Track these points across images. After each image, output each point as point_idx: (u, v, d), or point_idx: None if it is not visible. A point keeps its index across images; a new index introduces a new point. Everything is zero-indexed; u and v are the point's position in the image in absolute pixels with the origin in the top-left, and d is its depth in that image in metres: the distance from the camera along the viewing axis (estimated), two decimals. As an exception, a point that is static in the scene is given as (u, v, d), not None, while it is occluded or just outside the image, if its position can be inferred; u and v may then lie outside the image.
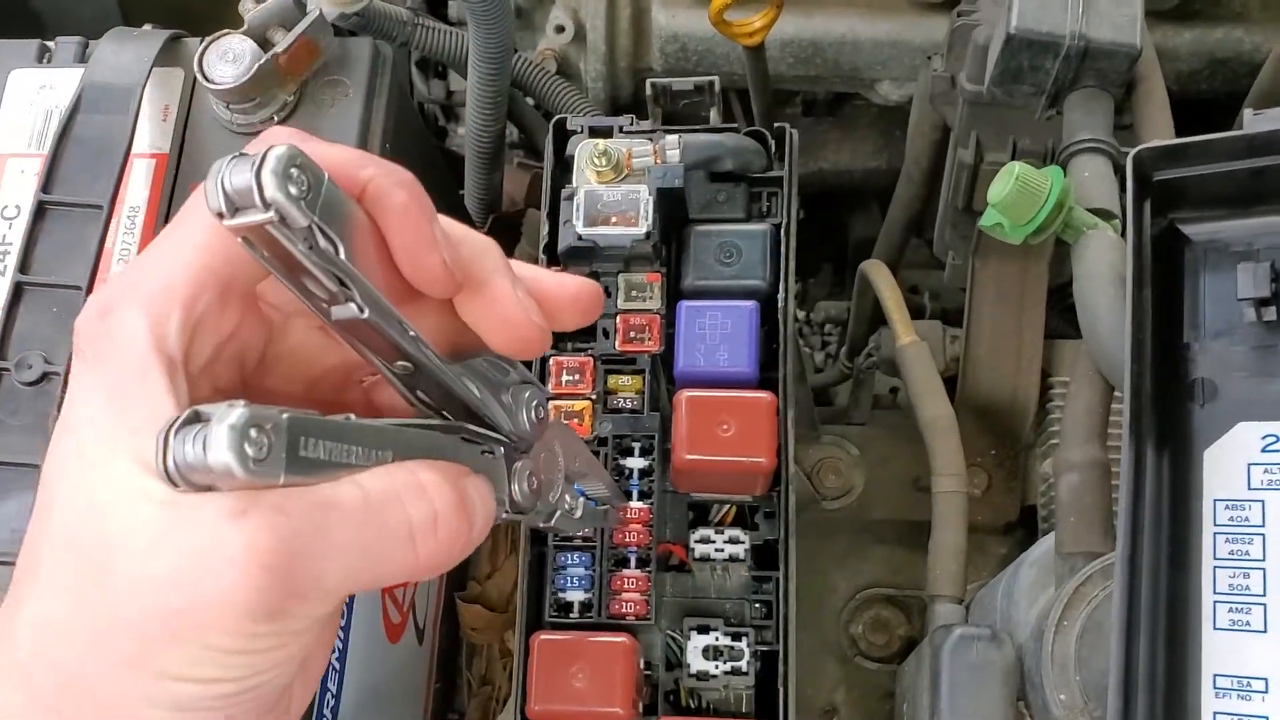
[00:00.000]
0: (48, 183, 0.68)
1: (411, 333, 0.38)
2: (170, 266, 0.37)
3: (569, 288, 0.45)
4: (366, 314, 0.37)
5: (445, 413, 0.42)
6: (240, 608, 0.33)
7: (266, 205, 0.33)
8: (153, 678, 0.34)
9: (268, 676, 0.36)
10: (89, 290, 0.66)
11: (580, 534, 0.60)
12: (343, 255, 0.35)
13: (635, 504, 0.61)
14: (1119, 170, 0.65)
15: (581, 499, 0.50)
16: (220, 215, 0.33)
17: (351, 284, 0.36)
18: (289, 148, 0.33)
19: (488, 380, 0.43)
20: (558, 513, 0.48)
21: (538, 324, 0.42)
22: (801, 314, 1.34)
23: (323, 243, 0.35)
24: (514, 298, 0.41)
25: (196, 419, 0.32)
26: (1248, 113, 0.54)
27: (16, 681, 0.36)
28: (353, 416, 0.37)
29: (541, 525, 0.48)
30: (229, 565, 0.33)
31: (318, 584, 0.34)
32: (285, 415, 0.33)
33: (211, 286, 0.38)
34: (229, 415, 0.31)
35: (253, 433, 0.31)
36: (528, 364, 0.51)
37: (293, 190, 0.33)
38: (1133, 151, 0.53)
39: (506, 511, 0.44)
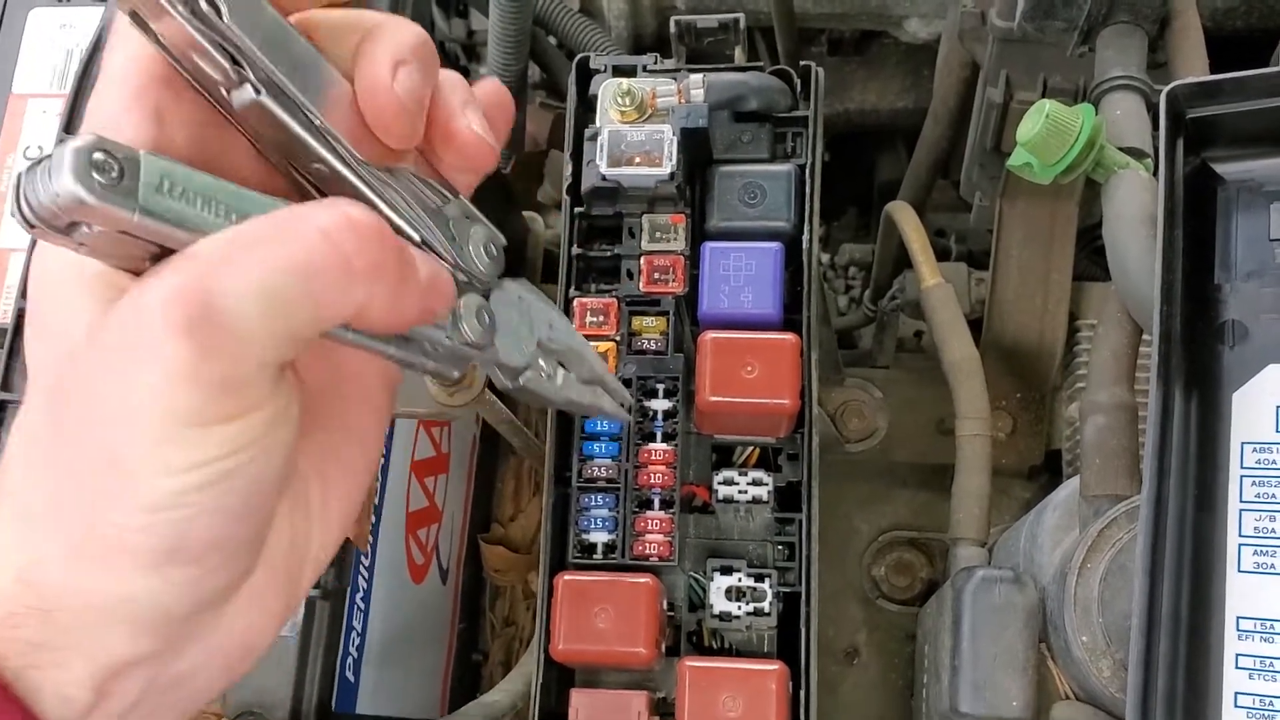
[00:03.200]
0: (69, 123, 0.68)
1: (318, 121, 0.37)
2: (109, 90, 0.37)
3: (498, 98, 0.44)
4: (264, 95, 0.35)
5: None
6: (174, 364, 0.32)
7: None
8: (123, 481, 0.34)
9: (233, 461, 0.34)
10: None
11: (605, 475, 0.60)
12: (227, 19, 0.34)
13: (659, 445, 0.61)
14: (1152, 108, 0.64)
15: (563, 372, 0.47)
16: None
17: (244, 59, 0.35)
18: None
19: (420, 201, 0.40)
20: (528, 372, 0.44)
21: (493, 145, 0.41)
22: (826, 257, 1.33)
23: (205, 6, 0.33)
24: (475, 130, 0.41)
25: (44, 158, 0.32)
26: (1285, 48, 0.53)
27: (12, 505, 0.36)
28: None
29: (510, 386, 0.44)
30: (151, 326, 0.32)
31: (241, 317, 0.33)
32: (143, 151, 0.32)
33: (154, 81, 0.36)
34: (74, 140, 0.31)
35: (98, 156, 0.31)
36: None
37: None
38: (1166, 88, 0.52)
39: (449, 338, 0.41)
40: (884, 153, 1.28)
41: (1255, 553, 0.49)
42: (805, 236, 0.63)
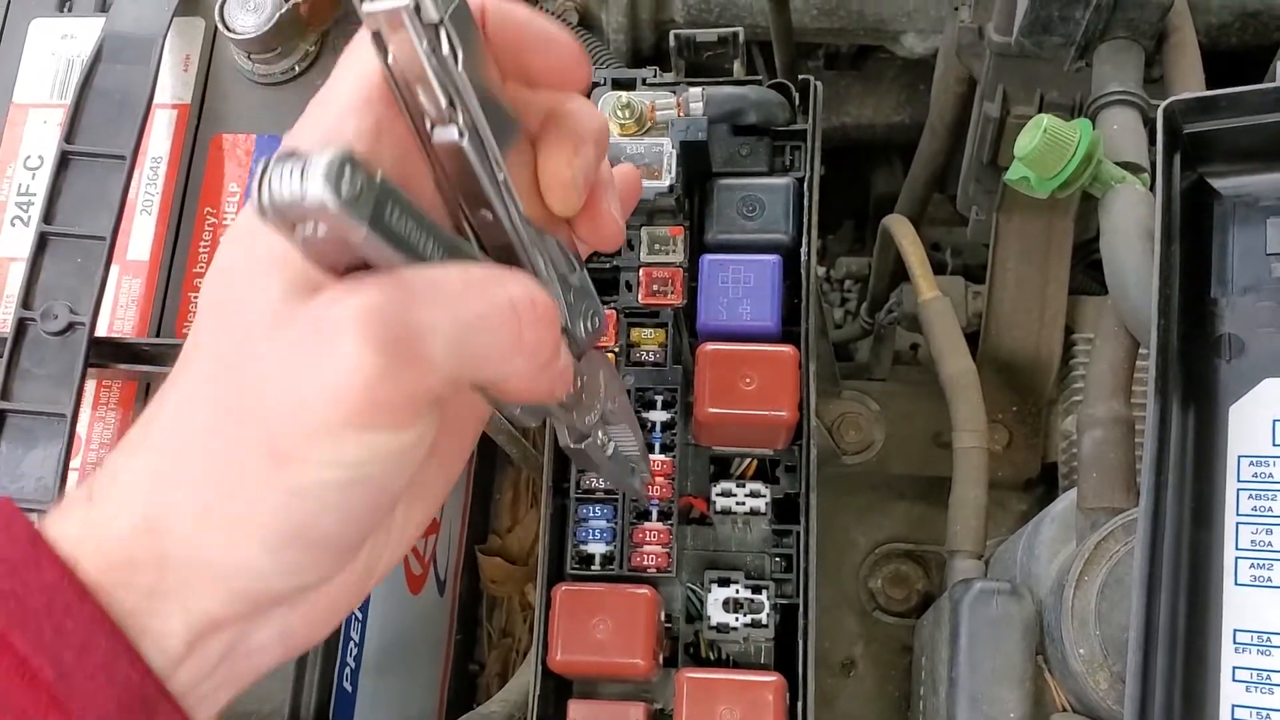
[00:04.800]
0: (70, 133, 0.68)
1: (501, 176, 0.40)
2: (339, 95, 0.39)
3: (633, 185, 0.50)
4: (465, 139, 0.38)
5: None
6: (353, 375, 0.34)
7: None
8: (273, 462, 0.36)
9: (378, 468, 0.37)
10: (113, 241, 0.66)
11: (603, 487, 0.60)
12: (461, 66, 0.37)
13: (658, 457, 0.61)
14: (1149, 123, 0.64)
15: (614, 444, 0.51)
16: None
17: (460, 103, 0.37)
18: None
19: (555, 266, 0.44)
20: (589, 439, 0.48)
21: (623, 231, 0.46)
22: (822, 270, 1.33)
23: (446, 48, 0.36)
24: (614, 216, 0.45)
25: (295, 154, 0.33)
26: (1280, 64, 0.53)
27: (155, 452, 0.38)
28: None
29: (571, 445, 0.48)
30: (345, 328, 0.34)
31: (426, 352, 0.36)
32: (380, 172, 0.34)
33: (382, 96, 0.39)
34: (331, 149, 0.33)
35: (348, 170, 0.33)
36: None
37: None
38: (1163, 103, 0.53)
39: None
40: (880, 167, 1.28)
41: (1252, 566, 0.49)
42: (803, 249, 0.63)
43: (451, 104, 0.38)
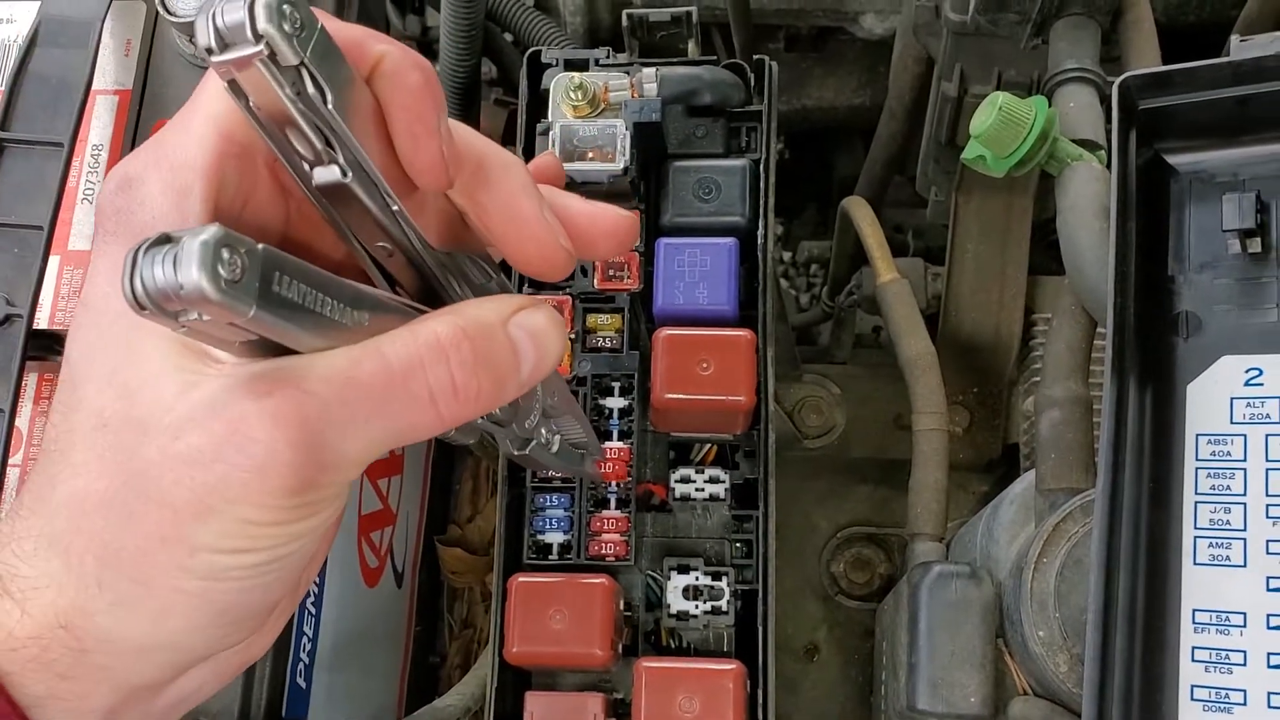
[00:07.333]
0: (5, 120, 0.66)
1: (395, 206, 0.38)
2: (190, 134, 0.37)
3: (605, 219, 0.44)
4: (349, 177, 0.36)
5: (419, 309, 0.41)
6: (269, 484, 0.34)
7: (257, 37, 0.32)
8: (185, 550, 0.35)
9: (296, 545, 0.37)
10: (51, 231, 0.64)
11: (560, 476, 0.60)
12: (330, 105, 0.34)
13: (615, 444, 0.60)
14: (1105, 100, 0.64)
15: (558, 437, 0.50)
16: (209, 51, 0.32)
17: (336, 141, 0.35)
18: None
19: (470, 281, 0.42)
20: (534, 443, 0.47)
21: (563, 247, 0.42)
22: (786, 255, 1.33)
23: (311, 89, 0.34)
24: (538, 214, 0.41)
25: (167, 240, 0.31)
26: (1234, 39, 0.53)
27: (56, 552, 0.37)
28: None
29: (515, 453, 0.47)
30: (256, 445, 0.34)
31: (343, 456, 0.35)
32: (260, 244, 0.32)
33: (232, 154, 0.37)
34: (203, 232, 0.30)
35: (225, 253, 0.30)
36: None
37: (285, 27, 0.32)
38: (1118, 79, 0.52)
39: (481, 419, 0.43)
40: (842, 150, 1.27)
41: (1210, 545, 0.49)
42: (760, 231, 0.62)
43: (328, 144, 0.35)
